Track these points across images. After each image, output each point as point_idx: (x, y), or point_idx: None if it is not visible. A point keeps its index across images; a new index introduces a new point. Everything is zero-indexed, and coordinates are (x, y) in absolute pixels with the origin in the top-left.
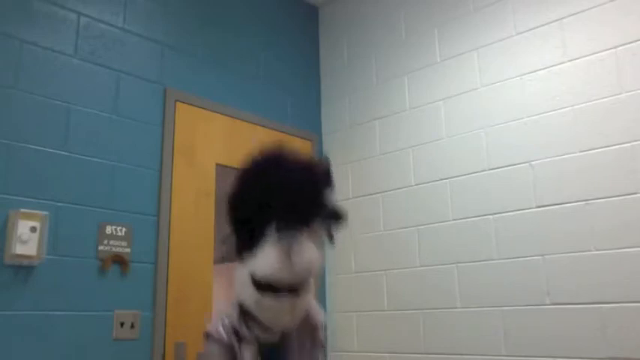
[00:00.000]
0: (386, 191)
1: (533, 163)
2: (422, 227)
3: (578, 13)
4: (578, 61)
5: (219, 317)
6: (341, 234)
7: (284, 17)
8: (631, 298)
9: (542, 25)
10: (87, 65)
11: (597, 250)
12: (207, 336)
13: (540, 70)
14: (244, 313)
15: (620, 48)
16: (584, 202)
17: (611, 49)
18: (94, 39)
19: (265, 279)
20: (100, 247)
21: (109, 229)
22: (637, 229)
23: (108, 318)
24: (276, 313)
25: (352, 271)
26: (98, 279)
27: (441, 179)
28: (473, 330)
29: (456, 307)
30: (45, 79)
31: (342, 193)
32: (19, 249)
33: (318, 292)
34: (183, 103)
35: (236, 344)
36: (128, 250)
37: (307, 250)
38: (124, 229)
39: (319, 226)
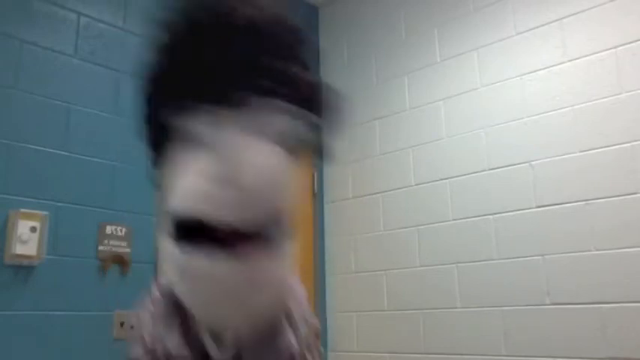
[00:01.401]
0: (386, 191)
1: (533, 163)
2: (422, 227)
3: (578, 13)
4: (578, 61)
5: (142, 321)
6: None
7: None
8: (631, 298)
9: (542, 25)
10: (87, 65)
11: (597, 250)
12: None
13: (540, 70)
14: (180, 310)
15: (620, 48)
16: (584, 202)
17: (611, 49)
18: (94, 39)
19: (178, 216)
20: (100, 247)
21: (109, 229)
22: (637, 229)
23: (108, 318)
24: (212, 290)
25: (352, 271)
26: (98, 279)
27: (441, 179)
28: (473, 330)
29: (456, 307)
30: (45, 79)
31: (342, 193)
32: (19, 249)
33: (317, 292)
34: None
35: (160, 353)
36: (128, 250)
37: (243, 145)
38: (124, 229)
39: (273, 108)
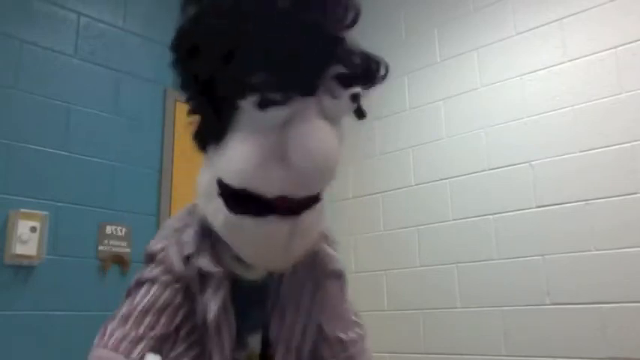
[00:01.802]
0: (386, 191)
1: (533, 163)
2: (422, 227)
3: (578, 13)
4: (578, 61)
5: (172, 231)
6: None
7: None
8: (631, 298)
9: (542, 25)
10: (87, 65)
11: (597, 250)
12: (149, 257)
13: (540, 70)
14: (211, 236)
15: (620, 48)
16: (584, 202)
17: (611, 49)
18: (94, 39)
19: (239, 185)
20: (100, 247)
21: (109, 229)
22: (637, 229)
23: (108, 318)
24: (260, 243)
25: (352, 271)
26: (98, 279)
27: (441, 179)
28: (473, 330)
29: (456, 307)
30: (45, 79)
31: (342, 193)
32: (19, 249)
33: None
34: (184, 103)
35: (196, 281)
36: (128, 250)
37: (319, 132)
38: (124, 229)
39: (339, 90)
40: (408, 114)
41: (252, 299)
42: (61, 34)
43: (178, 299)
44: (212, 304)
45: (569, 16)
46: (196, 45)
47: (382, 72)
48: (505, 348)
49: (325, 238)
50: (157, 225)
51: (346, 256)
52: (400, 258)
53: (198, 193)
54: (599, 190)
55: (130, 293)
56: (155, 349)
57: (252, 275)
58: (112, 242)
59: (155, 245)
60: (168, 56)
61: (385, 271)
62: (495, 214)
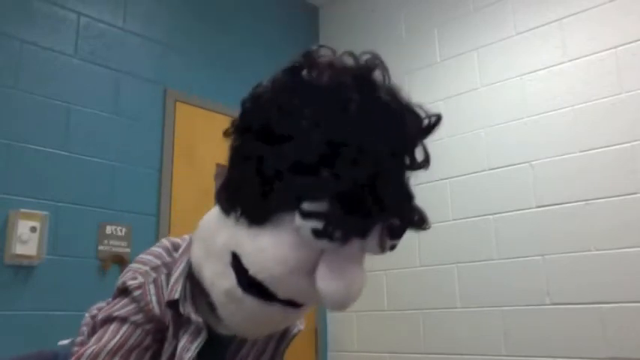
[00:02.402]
0: None
1: (533, 163)
2: None
3: (578, 13)
4: (578, 61)
5: (149, 269)
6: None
7: (284, 17)
8: (631, 298)
9: (542, 25)
10: (87, 65)
11: (597, 250)
12: (123, 289)
13: (540, 70)
14: (192, 282)
15: (620, 48)
16: (584, 202)
17: (611, 49)
18: (94, 39)
19: (256, 276)
20: (100, 247)
21: (109, 229)
22: (637, 229)
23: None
24: (254, 321)
25: None
26: (98, 279)
27: (441, 179)
28: (473, 330)
29: (456, 307)
30: (45, 79)
31: None
32: (19, 249)
33: None
34: (183, 103)
35: (170, 325)
36: (128, 250)
37: (354, 274)
38: (124, 229)
39: (383, 242)
40: None
41: (214, 352)
42: (61, 34)
43: (147, 341)
44: (185, 354)
45: (569, 16)
46: (265, 120)
47: (425, 226)
48: (505, 348)
49: None
50: (157, 225)
51: None
52: (400, 258)
53: (199, 235)
54: (599, 190)
55: (95, 330)
56: None
57: (220, 329)
58: (112, 242)
59: (131, 281)
60: (168, 56)
61: (385, 271)
62: (495, 214)
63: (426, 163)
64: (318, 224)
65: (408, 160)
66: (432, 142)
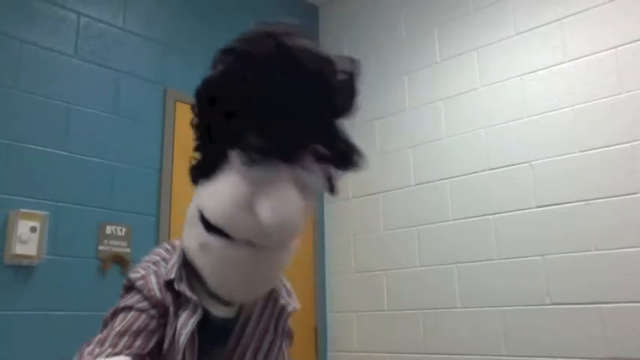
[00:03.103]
0: (386, 191)
1: (533, 163)
2: (422, 227)
3: (578, 13)
4: (578, 61)
5: (151, 264)
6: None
7: (284, 17)
8: (631, 298)
9: (542, 25)
10: (87, 65)
11: (597, 250)
12: (128, 285)
13: (540, 70)
14: (189, 267)
15: (620, 48)
16: (584, 202)
17: (611, 49)
18: (94, 39)
19: (215, 222)
20: (100, 247)
21: (109, 229)
22: (637, 229)
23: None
24: (227, 267)
25: (352, 271)
26: (98, 279)
27: (441, 179)
28: (473, 330)
29: (456, 307)
30: (45, 79)
31: (342, 193)
32: (19, 249)
33: (317, 292)
34: (183, 103)
35: (171, 306)
36: (128, 250)
37: (288, 199)
38: (124, 229)
39: (315, 166)
40: (408, 114)
41: (217, 338)
42: (61, 34)
43: (153, 325)
44: (184, 329)
45: (569, 16)
46: (214, 97)
47: (358, 161)
48: (505, 348)
49: (283, 284)
50: (157, 225)
51: (346, 256)
52: (400, 258)
53: (185, 221)
54: (599, 190)
55: (106, 323)
56: None
57: (220, 312)
58: (112, 242)
59: (134, 274)
60: (168, 56)
61: (385, 271)
62: (495, 214)
63: (348, 104)
64: (244, 154)
65: (326, 101)
66: (433, 142)
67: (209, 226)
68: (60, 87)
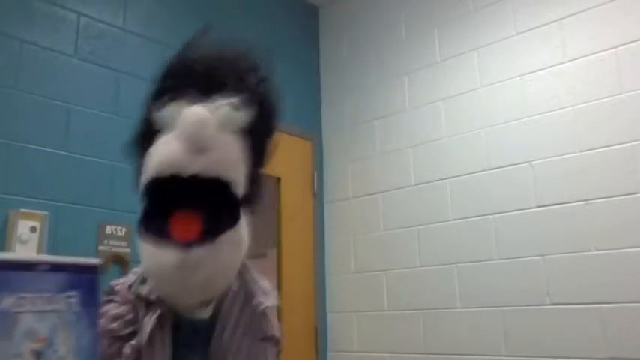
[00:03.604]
0: (386, 191)
1: (533, 163)
2: (422, 227)
3: (578, 13)
4: (578, 61)
5: (135, 272)
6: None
7: (284, 17)
8: (631, 298)
9: (542, 25)
10: (87, 65)
11: (597, 250)
12: (109, 291)
13: (540, 70)
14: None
15: (620, 48)
16: (584, 202)
17: (611, 49)
18: (94, 39)
19: (148, 175)
20: (100, 247)
21: (109, 229)
22: (637, 229)
23: None
24: (156, 271)
25: (352, 271)
26: None
27: (441, 179)
28: (473, 330)
29: (456, 307)
30: (45, 79)
31: (342, 193)
32: (19, 249)
33: (317, 292)
34: None
35: (142, 306)
36: (128, 250)
37: (193, 107)
38: (124, 229)
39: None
40: (408, 114)
41: (193, 343)
42: (61, 34)
43: (129, 315)
44: (147, 326)
45: (569, 16)
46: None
47: (265, 100)
48: (505, 348)
49: (247, 270)
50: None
51: (346, 256)
52: (400, 258)
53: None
54: (599, 190)
55: None
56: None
57: (195, 314)
58: (112, 242)
59: (115, 282)
60: (168, 56)
61: (385, 271)
62: (495, 214)
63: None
64: (156, 101)
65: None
66: (432, 142)
67: (145, 229)
68: (60, 87)
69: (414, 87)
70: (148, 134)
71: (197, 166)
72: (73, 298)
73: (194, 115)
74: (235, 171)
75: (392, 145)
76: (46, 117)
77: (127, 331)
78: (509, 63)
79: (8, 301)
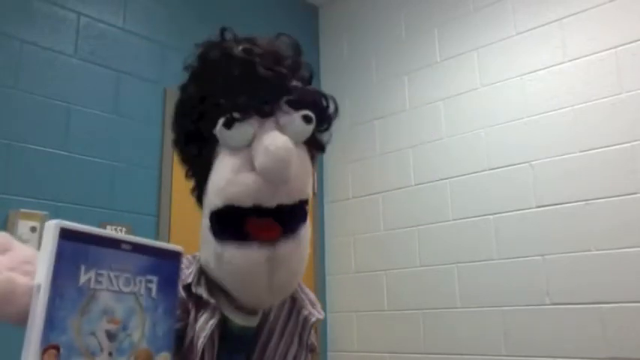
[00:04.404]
0: (386, 191)
1: (533, 163)
2: (422, 227)
3: (578, 13)
4: (578, 61)
5: None
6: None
7: (284, 17)
8: (631, 298)
9: (542, 25)
10: (87, 65)
11: (597, 250)
12: None
13: (540, 70)
14: (206, 278)
15: (620, 48)
16: (584, 202)
17: (611, 49)
18: (94, 39)
19: (222, 202)
20: None
21: (109, 229)
22: (637, 229)
23: None
24: (241, 273)
25: (352, 271)
26: None
27: (441, 179)
28: (473, 330)
29: (456, 307)
30: (45, 79)
31: (342, 193)
32: None
33: (317, 292)
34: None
35: (192, 309)
36: None
37: (275, 137)
38: (123, 229)
39: (290, 110)
40: (408, 114)
41: (237, 348)
42: (61, 34)
43: (177, 312)
44: (202, 332)
45: (569, 16)
46: (185, 102)
47: (331, 105)
48: (505, 348)
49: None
50: (157, 225)
51: (346, 256)
52: (400, 258)
53: (200, 240)
54: (599, 190)
55: None
56: None
57: (243, 322)
58: None
59: None
60: (168, 56)
61: (385, 271)
62: (495, 214)
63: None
64: (226, 117)
65: (269, 74)
66: (432, 142)
67: (219, 228)
68: (60, 87)
69: (414, 87)
70: (194, 136)
71: (280, 199)
72: (152, 283)
73: (278, 150)
74: (310, 185)
75: (392, 145)
76: (46, 117)
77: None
78: (509, 63)
79: (87, 276)
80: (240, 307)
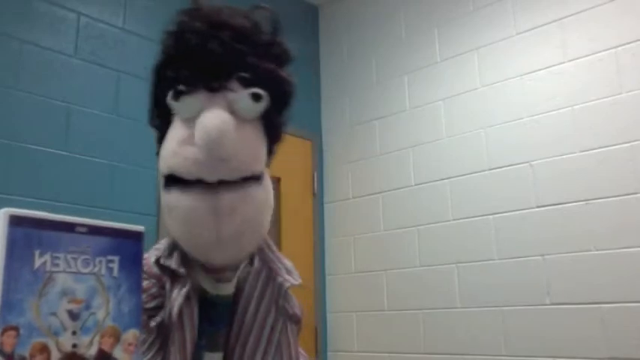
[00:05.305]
0: (386, 191)
1: (533, 163)
2: (422, 227)
3: (578, 13)
4: (578, 61)
5: (153, 249)
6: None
7: (284, 17)
8: (631, 298)
9: (542, 25)
10: (87, 65)
11: (597, 250)
12: None
13: (540, 70)
14: (180, 252)
15: (620, 48)
16: (584, 202)
17: (611, 49)
18: (94, 39)
19: (167, 171)
20: None
21: None
22: (637, 229)
23: None
24: (187, 222)
25: (352, 271)
26: None
27: (441, 179)
28: (473, 330)
29: (456, 307)
30: (45, 79)
31: (342, 193)
32: None
33: (317, 292)
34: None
35: (167, 280)
36: None
37: (214, 115)
38: None
39: (240, 88)
40: (408, 114)
41: (216, 319)
42: (61, 34)
43: (154, 289)
44: (175, 302)
45: (569, 16)
46: (153, 73)
47: (288, 85)
48: (505, 348)
49: (268, 246)
50: (157, 225)
51: (346, 256)
52: (400, 258)
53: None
54: (599, 190)
55: None
56: None
57: (215, 290)
58: None
59: None
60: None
61: (385, 271)
62: (495, 214)
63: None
64: (175, 89)
65: (226, 40)
66: (433, 142)
67: (167, 182)
68: (60, 87)
69: (414, 87)
70: (157, 103)
71: (220, 174)
72: (113, 263)
73: (214, 127)
74: (259, 162)
75: (392, 145)
76: (46, 117)
77: (151, 305)
78: (509, 63)
79: (42, 260)
80: (211, 273)
